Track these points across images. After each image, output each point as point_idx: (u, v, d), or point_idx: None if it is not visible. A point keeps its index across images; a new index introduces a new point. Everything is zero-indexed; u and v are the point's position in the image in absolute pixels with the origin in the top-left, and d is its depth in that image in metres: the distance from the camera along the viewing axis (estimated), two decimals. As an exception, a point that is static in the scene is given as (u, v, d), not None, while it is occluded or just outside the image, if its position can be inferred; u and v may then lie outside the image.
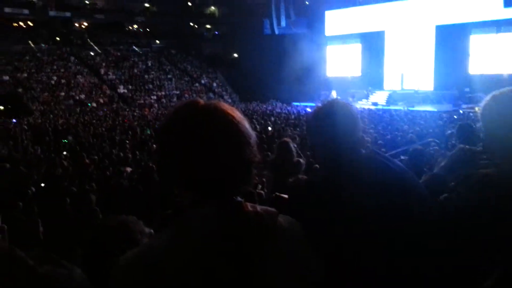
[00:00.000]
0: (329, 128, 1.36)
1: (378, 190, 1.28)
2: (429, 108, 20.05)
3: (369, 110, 20.30)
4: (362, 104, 23.82)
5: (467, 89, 21.60)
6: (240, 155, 0.88)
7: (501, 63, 22.36)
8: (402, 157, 6.43)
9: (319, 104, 1.47)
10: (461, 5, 23.01)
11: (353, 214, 1.25)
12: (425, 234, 1.30)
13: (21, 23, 32.79)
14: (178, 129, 0.87)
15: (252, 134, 0.92)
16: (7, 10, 31.46)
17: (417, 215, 1.32)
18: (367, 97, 25.63)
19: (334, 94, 24.55)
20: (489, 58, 22.89)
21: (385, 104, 23.82)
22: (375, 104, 23.92)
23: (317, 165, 3.53)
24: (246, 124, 0.91)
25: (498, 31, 22.21)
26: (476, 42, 23.45)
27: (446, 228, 1.33)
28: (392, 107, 21.26)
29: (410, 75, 25.09)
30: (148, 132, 13.53)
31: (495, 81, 20.13)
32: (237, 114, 0.91)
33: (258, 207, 0.91)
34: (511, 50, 22.07)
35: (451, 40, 23.36)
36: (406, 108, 19.72)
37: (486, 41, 23.13)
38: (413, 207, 1.31)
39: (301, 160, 4.14)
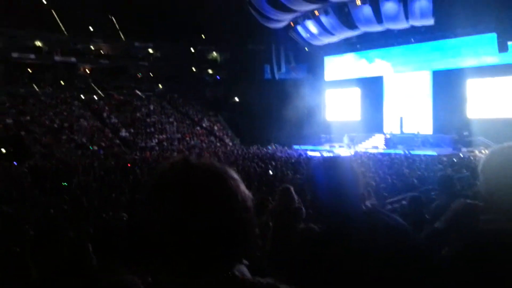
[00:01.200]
0: (331, 182, 1.39)
1: (378, 249, 1.29)
2: (429, 151, 20.10)
3: (369, 153, 20.37)
4: (362, 148, 23.93)
5: (466, 133, 21.75)
6: (236, 220, 0.81)
7: (498, 107, 22.67)
8: (404, 202, 6.42)
9: (323, 156, 1.50)
10: (457, 51, 23.63)
11: (352, 271, 1.25)
12: None
13: (27, 67, 33.59)
14: (168, 190, 0.80)
15: (249, 196, 0.85)
16: (14, 54, 32.35)
17: (415, 274, 1.31)
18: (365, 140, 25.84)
19: (345, 140, 24.73)
20: (486, 102, 23.24)
21: (384, 147, 23.93)
22: (375, 147, 24.01)
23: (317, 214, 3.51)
24: (241, 186, 0.84)
25: (494, 75, 22.67)
26: (473, 87, 23.89)
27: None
28: (391, 151, 21.33)
29: (409, 119, 25.37)
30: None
31: (494, 125, 20.35)
32: (232, 175, 0.85)
33: (257, 280, 0.83)
34: (508, 94, 22.45)
35: (449, 84, 23.81)
36: (406, 152, 19.77)
37: (483, 85, 23.57)
38: (411, 267, 1.31)
39: (302, 208, 4.11)
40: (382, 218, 1.42)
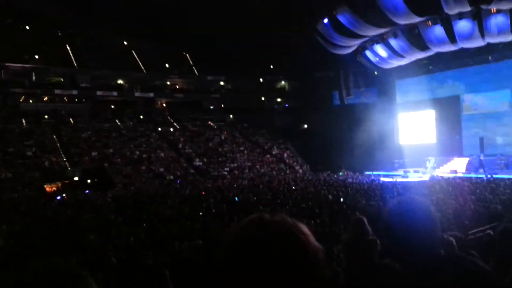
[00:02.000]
0: (408, 228, 1.38)
1: None
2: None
3: (448, 178, 19.28)
4: (439, 172, 22.72)
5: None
6: (309, 273, 0.85)
7: None
8: (489, 232, 5.99)
9: (398, 200, 1.50)
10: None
11: None
12: None
13: (110, 104, 36.42)
14: (244, 248, 0.86)
15: (319, 247, 0.89)
16: (99, 93, 35.29)
17: None
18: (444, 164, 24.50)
19: (432, 162, 23.79)
20: None
21: (464, 171, 22.51)
22: (453, 171, 22.69)
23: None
24: (312, 239, 0.89)
25: None
26: None
27: None
28: (472, 175, 20.02)
29: (490, 141, 23.75)
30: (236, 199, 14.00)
31: None
32: (302, 230, 0.90)
33: None
34: None
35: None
36: (488, 175, 18.46)
37: None
38: None
39: (377, 240, 4.01)
40: (462, 263, 1.39)
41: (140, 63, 38.45)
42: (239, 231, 0.90)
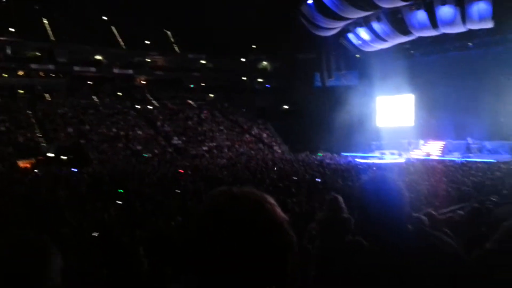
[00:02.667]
0: (378, 202, 1.40)
1: (422, 271, 1.30)
2: (485, 159, 19.11)
3: (423, 160, 19.67)
4: (415, 154, 23.17)
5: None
6: (275, 242, 0.89)
7: None
8: (460, 212, 6.16)
9: (371, 172, 1.51)
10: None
11: None
12: None
13: (87, 80, 35.61)
14: (213, 219, 0.90)
15: (285, 218, 0.93)
16: (76, 68, 34.45)
17: None
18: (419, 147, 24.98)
19: (407, 145, 24.07)
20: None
21: (440, 154, 23.00)
22: (428, 154, 23.17)
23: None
24: (278, 209, 0.93)
25: None
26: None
27: None
28: (446, 158, 20.47)
29: (465, 125, 24.25)
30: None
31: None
32: (268, 201, 0.94)
33: None
34: None
35: (510, 90, 22.59)
36: (461, 159, 18.91)
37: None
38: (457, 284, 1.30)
39: (351, 218, 4.05)
40: (428, 238, 1.42)
41: (120, 39, 37.58)
42: (209, 202, 0.94)
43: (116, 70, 36.13)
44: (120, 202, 10.08)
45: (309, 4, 22.69)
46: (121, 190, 12.74)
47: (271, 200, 0.94)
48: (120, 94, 35.35)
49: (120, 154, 25.63)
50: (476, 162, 17.09)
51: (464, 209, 5.88)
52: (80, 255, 5.51)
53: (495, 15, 19.83)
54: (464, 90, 24.71)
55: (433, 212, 4.86)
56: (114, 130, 28.80)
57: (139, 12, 33.34)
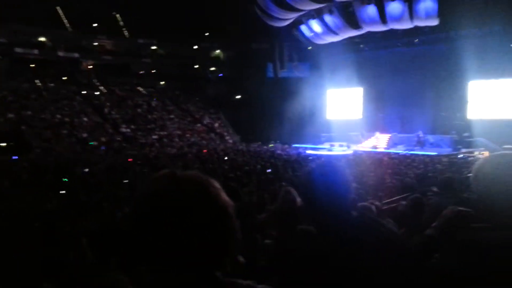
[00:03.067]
0: (323, 188, 1.41)
1: (366, 256, 1.33)
2: (428, 151, 20.08)
3: (369, 153, 20.35)
4: (362, 147, 23.94)
5: (466, 134, 21.73)
6: (218, 227, 0.87)
7: (499, 109, 22.66)
8: (402, 202, 6.42)
9: (317, 160, 1.52)
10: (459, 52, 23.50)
11: (341, 277, 1.28)
12: None
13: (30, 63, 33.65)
14: (154, 201, 0.87)
15: (230, 203, 0.91)
16: (18, 50, 32.44)
17: (402, 281, 1.33)
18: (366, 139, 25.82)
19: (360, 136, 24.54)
20: (487, 103, 23.23)
21: (385, 146, 23.89)
22: (374, 147, 24.01)
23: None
24: (222, 193, 0.91)
25: (496, 77, 22.64)
26: (475, 88, 23.89)
27: None
28: (391, 150, 21.30)
29: (410, 119, 25.33)
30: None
31: (494, 126, 20.34)
32: (213, 184, 0.91)
33: (239, 283, 0.91)
34: (508, 95, 22.45)
35: (451, 85, 23.77)
36: (405, 151, 19.75)
37: (485, 87, 23.56)
38: (399, 275, 1.33)
39: (302, 207, 4.10)
40: (371, 224, 1.44)
41: (65, 21, 35.75)
42: (150, 185, 0.90)
43: (61, 53, 34.33)
44: (64, 192, 9.69)
45: (263, -6, 22.68)
46: (66, 179, 12.25)
47: (216, 184, 0.92)
48: (65, 78, 33.72)
49: (64, 142, 24.56)
50: (419, 155, 17.90)
51: (406, 199, 6.12)
52: (20, 246, 5.23)
53: (440, 13, 20.74)
54: (409, 85, 25.78)
55: (377, 203, 5.03)
56: (58, 116, 27.52)
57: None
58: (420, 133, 23.33)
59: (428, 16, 21.26)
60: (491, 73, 22.24)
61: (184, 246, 0.83)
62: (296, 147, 25.34)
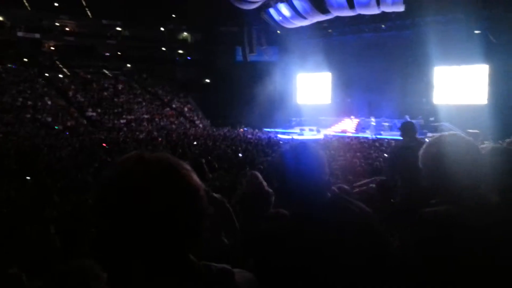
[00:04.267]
0: (297, 170, 1.39)
1: (342, 236, 1.34)
2: (396, 135, 20.56)
3: (338, 137, 20.67)
4: (331, 131, 24.27)
5: (432, 118, 22.37)
6: (190, 209, 0.84)
7: (463, 94, 23.44)
8: (371, 185, 6.56)
9: (291, 142, 1.52)
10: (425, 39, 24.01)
11: (316, 257, 1.28)
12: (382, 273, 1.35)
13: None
14: (121, 184, 0.83)
15: (201, 185, 0.88)
16: (-27, 29, 30.83)
17: (377, 258, 1.36)
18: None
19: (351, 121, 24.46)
20: (452, 89, 23.97)
21: (354, 131, 24.30)
22: (344, 131, 24.39)
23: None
24: (194, 175, 0.88)
25: (460, 63, 23.35)
26: (440, 74, 24.57)
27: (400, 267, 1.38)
28: (360, 135, 21.69)
29: (377, 104, 25.82)
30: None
31: (458, 111, 21.03)
32: (184, 166, 0.89)
33: (213, 266, 0.89)
34: (471, 81, 23.25)
35: (417, 71, 24.34)
36: (373, 136, 20.16)
37: (449, 73, 24.27)
38: (374, 252, 1.36)
39: (271, 191, 4.12)
40: (347, 205, 1.45)
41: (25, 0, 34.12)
42: (117, 167, 0.87)
43: (20, 34, 32.81)
44: (29, 178, 9.38)
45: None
46: (30, 166, 11.86)
47: (187, 166, 0.89)
48: (26, 60, 32.34)
49: (27, 126, 23.70)
50: (387, 139, 18.30)
51: (375, 182, 6.26)
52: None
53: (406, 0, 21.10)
54: (377, 70, 26.21)
55: (346, 187, 5.11)
56: (20, 99, 26.47)
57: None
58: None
59: (394, 2, 21.55)
60: (454, 59, 22.88)
61: (154, 229, 0.80)
62: (267, 131, 25.42)
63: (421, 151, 1.50)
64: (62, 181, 9.14)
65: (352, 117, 26.46)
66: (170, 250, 0.83)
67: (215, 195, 3.31)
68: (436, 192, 1.44)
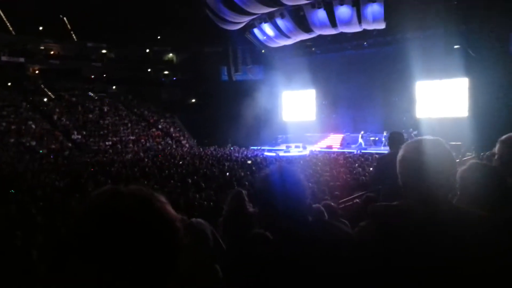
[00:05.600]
0: (279, 195, 1.42)
1: (324, 257, 1.37)
2: (381, 150, 20.76)
3: (324, 153, 20.79)
4: (317, 147, 24.40)
5: (415, 132, 22.63)
6: (165, 243, 0.85)
7: (444, 107, 23.86)
8: (357, 200, 6.62)
9: (270, 168, 1.54)
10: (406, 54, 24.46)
11: (297, 280, 1.31)
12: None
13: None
14: (96, 219, 0.83)
15: (177, 217, 0.89)
16: (-44, 54, 30.58)
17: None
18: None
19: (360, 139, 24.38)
20: (434, 102, 24.40)
21: (339, 147, 24.47)
22: (329, 147, 24.54)
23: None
24: (168, 207, 0.89)
25: (441, 77, 23.82)
26: (422, 88, 25.03)
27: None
28: (346, 150, 21.84)
29: (361, 119, 26.12)
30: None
31: (440, 124, 21.36)
32: (158, 199, 0.88)
33: None
34: (452, 95, 23.72)
35: (399, 86, 24.74)
36: (358, 151, 20.31)
37: (431, 87, 24.73)
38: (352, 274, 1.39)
39: (254, 212, 4.09)
40: (328, 229, 1.49)
41: (8, 24, 34.02)
42: (90, 201, 0.86)
43: (4, 58, 32.68)
44: (12, 204, 9.22)
45: (215, -4, 22.65)
46: (13, 191, 11.67)
47: (162, 198, 0.89)
48: (10, 84, 32.09)
49: (11, 151, 23.38)
50: (371, 153, 18.46)
51: (361, 198, 6.32)
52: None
53: (387, 17, 21.56)
54: (360, 86, 26.60)
55: (332, 204, 5.14)
56: (3, 124, 26.17)
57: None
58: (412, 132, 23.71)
59: (375, 19, 22.02)
60: (435, 73, 23.34)
61: (130, 263, 0.80)
62: (253, 149, 25.46)
63: (399, 153, 1.55)
64: (47, 206, 9.01)
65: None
66: (146, 284, 0.82)
67: (198, 221, 3.23)
68: (407, 193, 1.49)
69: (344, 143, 25.01)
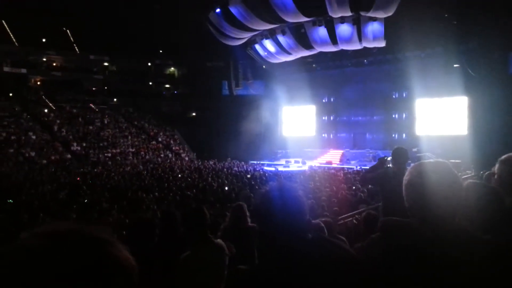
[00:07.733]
0: (277, 213, 1.41)
1: (323, 275, 1.36)
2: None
3: (323, 168, 20.77)
4: (317, 163, 24.39)
5: (415, 149, 22.66)
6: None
7: (444, 125, 23.93)
8: (357, 216, 6.59)
9: (273, 184, 1.53)
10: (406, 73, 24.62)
11: None
12: None
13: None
14: (24, 272, 0.64)
15: (129, 260, 0.73)
16: (-41, 64, 30.76)
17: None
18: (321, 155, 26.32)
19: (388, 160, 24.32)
20: (433, 120, 24.47)
21: (339, 162, 24.47)
22: (329, 162, 24.54)
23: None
24: (119, 249, 0.73)
25: (441, 95, 23.94)
26: (422, 106, 25.13)
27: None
28: (345, 166, 21.83)
29: (361, 136, 26.20)
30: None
31: (440, 142, 21.40)
32: (106, 239, 0.72)
33: None
34: (452, 113, 23.81)
35: (399, 104, 24.87)
36: (358, 167, 20.30)
37: (431, 105, 24.84)
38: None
39: (255, 226, 4.07)
40: (327, 247, 1.48)
41: (12, 35, 34.32)
42: (20, 244, 0.68)
43: (7, 69, 32.90)
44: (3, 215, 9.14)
45: (217, 13, 22.88)
46: (11, 201, 11.60)
47: (111, 237, 0.74)
48: (11, 95, 32.23)
49: (10, 161, 23.37)
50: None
51: (360, 214, 6.30)
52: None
53: (387, 35, 21.76)
54: (360, 103, 26.73)
55: (331, 220, 5.13)
56: (3, 134, 26.20)
57: (34, 7, 30.70)
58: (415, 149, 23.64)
59: (375, 38, 22.22)
60: (435, 91, 23.48)
61: None
62: (253, 163, 25.45)
63: (404, 176, 1.54)
64: (44, 218, 8.95)
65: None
66: None
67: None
68: (413, 214, 1.49)
69: (344, 159, 25.03)
